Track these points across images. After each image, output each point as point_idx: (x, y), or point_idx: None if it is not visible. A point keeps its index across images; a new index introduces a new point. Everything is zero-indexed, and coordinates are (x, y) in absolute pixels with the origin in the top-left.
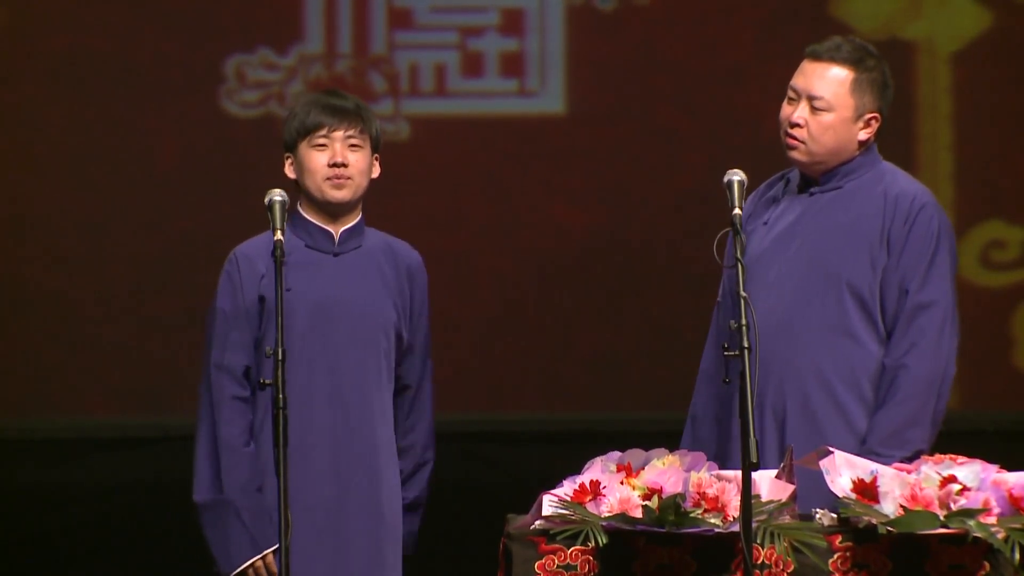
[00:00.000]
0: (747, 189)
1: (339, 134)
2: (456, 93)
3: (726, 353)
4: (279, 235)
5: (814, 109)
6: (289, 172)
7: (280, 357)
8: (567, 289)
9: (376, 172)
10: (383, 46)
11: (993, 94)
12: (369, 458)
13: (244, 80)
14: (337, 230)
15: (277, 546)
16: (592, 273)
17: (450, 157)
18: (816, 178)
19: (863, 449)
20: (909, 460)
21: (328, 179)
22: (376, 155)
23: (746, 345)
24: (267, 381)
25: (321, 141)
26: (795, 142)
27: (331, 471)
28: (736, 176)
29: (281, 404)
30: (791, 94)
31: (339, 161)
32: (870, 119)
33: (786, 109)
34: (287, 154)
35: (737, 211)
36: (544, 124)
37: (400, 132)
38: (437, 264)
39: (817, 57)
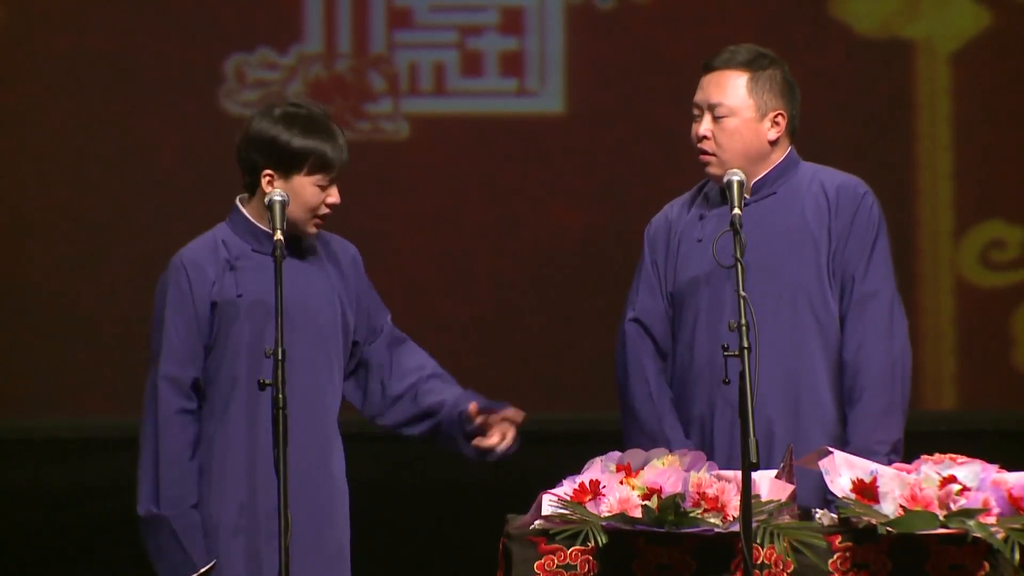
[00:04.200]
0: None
1: (337, 178)
2: (455, 92)
3: (726, 353)
4: (279, 235)
5: (716, 118)
6: (268, 187)
7: (280, 357)
8: (566, 289)
9: None
10: (383, 45)
11: (992, 94)
12: (325, 448)
13: (244, 80)
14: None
15: (214, 562)
16: (591, 273)
17: (449, 156)
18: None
19: (847, 451)
20: (890, 452)
21: (316, 217)
22: None
23: (746, 345)
24: (267, 381)
25: (326, 182)
26: (707, 156)
27: (293, 465)
28: (736, 176)
29: (281, 404)
30: (695, 111)
31: (336, 204)
32: (776, 117)
33: (693, 128)
34: (268, 170)
35: (737, 211)
36: (543, 124)
37: (399, 131)
38: (436, 264)
39: (711, 68)
